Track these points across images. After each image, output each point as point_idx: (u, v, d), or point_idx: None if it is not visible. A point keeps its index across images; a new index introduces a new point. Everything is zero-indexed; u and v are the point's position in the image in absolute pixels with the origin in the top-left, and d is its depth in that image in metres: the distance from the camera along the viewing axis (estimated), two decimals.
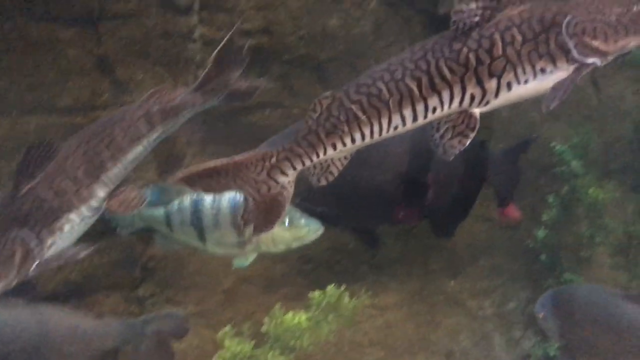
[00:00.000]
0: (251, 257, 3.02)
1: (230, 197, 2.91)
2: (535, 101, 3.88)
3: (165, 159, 3.36)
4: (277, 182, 2.04)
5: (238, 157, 2.04)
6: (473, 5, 1.86)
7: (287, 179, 2.05)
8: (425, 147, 3.18)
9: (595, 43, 1.86)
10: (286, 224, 2.91)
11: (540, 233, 3.69)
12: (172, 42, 3.33)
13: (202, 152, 3.47)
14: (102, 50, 3.32)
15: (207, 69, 2.66)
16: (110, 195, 2.52)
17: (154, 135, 2.61)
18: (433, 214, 3.14)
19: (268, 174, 2.03)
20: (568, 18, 1.87)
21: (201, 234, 2.98)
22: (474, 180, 3.11)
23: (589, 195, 3.54)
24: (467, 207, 3.17)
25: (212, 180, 2.04)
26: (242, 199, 2.78)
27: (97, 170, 2.49)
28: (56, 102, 3.30)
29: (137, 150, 2.58)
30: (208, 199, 2.94)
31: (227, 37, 2.64)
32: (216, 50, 2.64)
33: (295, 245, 2.97)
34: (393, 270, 3.83)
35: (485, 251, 3.99)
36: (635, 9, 1.87)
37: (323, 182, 2.10)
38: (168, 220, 3.03)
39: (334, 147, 2.01)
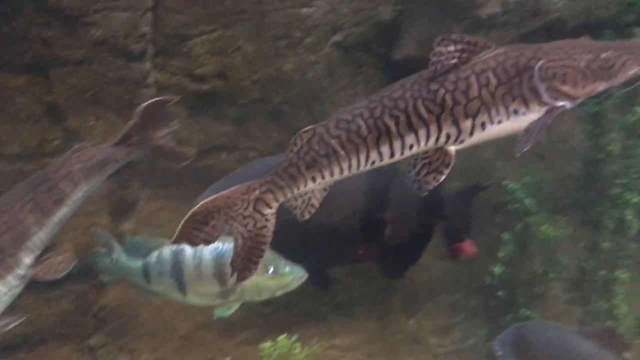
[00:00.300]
0: (234, 307, 2.94)
1: (212, 247, 2.84)
2: (499, 153, 3.98)
3: (117, 204, 3.29)
4: (262, 215, 2.05)
5: (226, 193, 2.04)
6: (451, 48, 1.92)
7: (271, 211, 2.06)
8: (381, 185, 3.20)
9: (565, 88, 1.92)
10: (270, 272, 2.85)
11: (497, 270, 3.69)
12: (125, 88, 3.28)
13: (156, 197, 3.41)
14: (53, 97, 3.25)
15: (129, 123, 2.62)
16: (37, 262, 2.43)
17: (79, 194, 2.55)
18: (388, 253, 3.13)
19: (254, 207, 2.04)
20: (540, 63, 1.93)
21: (181, 286, 2.89)
22: (428, 220, 3.11)
23: (542, 232, 3.55)
24: (421, 246, 3.16)
25: (208, 227, 2.02)
26: (224, 247, 2.81)
27: (22, 237, 2.41)
28: (4, 150, 3.20)
29: (62, 212, 2.50)
30: (189, 249, 2.85)
31: (159, 98, 2.65)
32: (142, 105, 2.61)
33: (279, 293, 2.91)
34: (353, 311, 3.77)
35: (444, 288, 3.96)
36: (603, 55, 1.94)
37: (306, 216, 2.11)
38: (146, 272, 2.94)
39: (314, 180, 2.04)
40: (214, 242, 2.09)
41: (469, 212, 3.15)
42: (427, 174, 1.99)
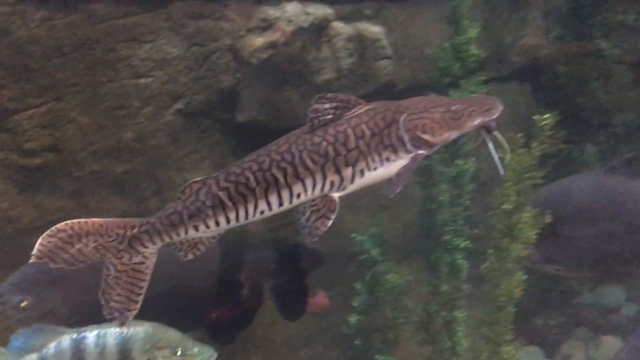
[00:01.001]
0: None
1: (117, 333, 2.61)
2: (349, 206, 4.08)
3: None
4: (138, 252, 2.06)
5: (99, 221, 2.03)
6: (327, 105, 2.07)
7: (148, 250, 2.07)
8: (236, 248, 3.14)
9: (425, 136, 2.11)
10: (179, 354, 2.67)
11: (353, 319, 3.71)
12: None
13: None
14: None
15: None
16: None
17: None
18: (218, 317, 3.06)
19: (129, 244, 2.05)
20: (403, 116, 2.12)
21: None
22: (254, 284, 3.06)
23: (389, 281, 3.65)
24: (249, 310, 3.11)
25: (73, 249, 1.98)
26: (130, 332, 2.60)
27: None
28: None
29: None
30: (91, 336, 2.60)
31: None
32: None
33: None
34: None
35: (304, 342, 3.91)
36: (453, 108, 2.15)
37: (190, 257, 2.13)
38: None
39: (196, 228, 2.08)
40: (78, 267, 2.01)
41: (300, 271, 3.16)
42: (316, 220, 2.09)
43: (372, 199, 4.05)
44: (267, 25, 3.53)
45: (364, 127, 2.09)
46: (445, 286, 3.54)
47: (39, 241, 1.96)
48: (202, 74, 3.47)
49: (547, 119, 2.66)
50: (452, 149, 3.57)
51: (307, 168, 2.06)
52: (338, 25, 3.74)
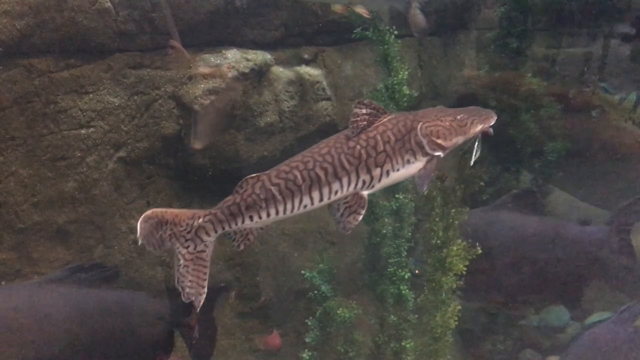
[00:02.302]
0: None
1: None
2: (297, 244, 4.13)
3: None
4: (202, 241, 2.32)
5: (174, 211, 2.30)
6: (364, 111, 2.37)
7: (210, 239, 2.33)
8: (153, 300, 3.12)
9: (439, 141, 2.43)
10: None
11: (305, 355, 3.70)
12: None
13: None
14: None
15: None
16: None
17: None
18: None
19: (195, 233, 2.31)
20: (420, 124, 2.44)
21: None
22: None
23: (339, 315, 3.71)
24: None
25: (158, 235, 2.27)
26: None
27: None
28: None
29: None
30: None
31: None
32: None
33: None
34: None
35: None
36: (458, 117, 2.48)
37: (242, 247, 2.41)
38: None
39: (251, 218, 2.34)
40: (161, 250, 2.26)
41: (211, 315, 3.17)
42: (349, 215, 2.37)
43: (319, 236, 4.12)
44: (209, 72, 3.62)
45: (389, 133, 2.39)
46: (393, 317, 3.61)
47: (138, 226, 2.25)
48: (144, 121, 3.52)
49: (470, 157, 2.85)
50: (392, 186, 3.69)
51: (344, 168, 2.35)
52: (278, 70, 3.86)
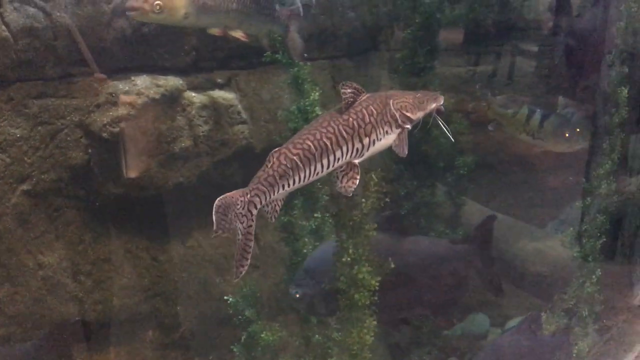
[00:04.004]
0: None
1: None
2: (218, 270, 4.05)
3: None
4: (251, 214, 2.48)
5: (230, 194, 2.44)
6: (349, 90, 2.69)
7: (256, 213, 2.50)
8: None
9: (408, 114, 2.79)
10: None
11: None
12: None
13: None
14: None
15: None
16: None
17: None
18: None
19: (247, 208, 2.47)
20: (392, 100, 2.79)
21: None
22: None
23: (263, 339, 3.66)
24: None
25: (227, 219, 2.40)
26: None
27: None
28: None
29: None
30: None
31: None
32: None
33: None
34: None
35: None
36: (417, 95, 2.87)
37: (274, 220, 2.61)
38: None
39: (283, 187, 2.55)
40: (230, 232, 2.39)
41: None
42: (347, 181, 2.68)
43: None
44: (117, 100, 3.54)
45: (372, 107, 2.72)
46: (317, 337, 3.60)
47: (214, 217, 2.37)
48: (49, 152, 3.38)
49: (374, 176, 2.98)
50: (310, 203, 3.72)
51: (343, 137, 2.64)
52: (190, 95, 3.82)
